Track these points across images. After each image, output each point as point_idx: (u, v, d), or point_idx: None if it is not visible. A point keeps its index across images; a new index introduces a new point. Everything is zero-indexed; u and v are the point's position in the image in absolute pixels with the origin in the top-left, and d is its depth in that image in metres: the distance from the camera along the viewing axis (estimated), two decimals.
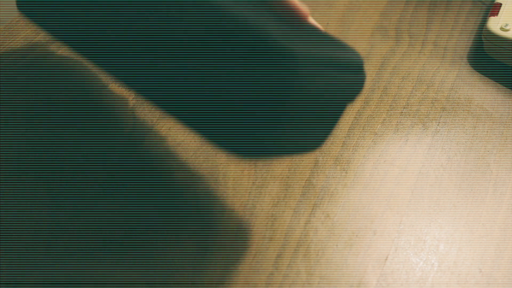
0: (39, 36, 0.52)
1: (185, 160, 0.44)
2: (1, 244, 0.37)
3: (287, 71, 0.33)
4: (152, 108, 0.47)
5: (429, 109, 0.52)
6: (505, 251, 0.43)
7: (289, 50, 0.33)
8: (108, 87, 0.48)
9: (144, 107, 0.47)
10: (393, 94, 0.52)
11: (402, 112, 0.51)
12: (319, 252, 0.41)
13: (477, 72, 0.56)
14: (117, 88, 0.48)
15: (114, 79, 0.38)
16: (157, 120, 0.47)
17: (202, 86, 0.36)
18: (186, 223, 0.40)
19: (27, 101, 0.39)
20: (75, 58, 0.50)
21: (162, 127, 0.46)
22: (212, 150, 0.45)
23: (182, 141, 0.45)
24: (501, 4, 0.58)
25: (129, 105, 0.47)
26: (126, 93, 0.48)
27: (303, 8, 0.39)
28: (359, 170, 0.46)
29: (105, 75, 0.46)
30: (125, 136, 0.45)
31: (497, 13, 0.56)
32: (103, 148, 0.37)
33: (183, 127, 0.44)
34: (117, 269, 0.37)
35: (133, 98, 0.48)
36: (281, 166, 0.45)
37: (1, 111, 0.43)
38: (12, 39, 0.52)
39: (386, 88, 0.53)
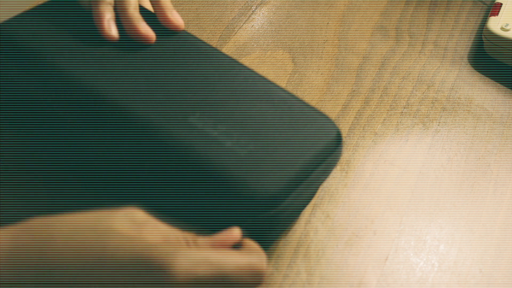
0: None
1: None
2: None
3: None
4: None
5: (430, 109, 0.52)
6: (505, 251, 0.43)
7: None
8: None
9: None
10: (393, 94, 0.52)
11: (402, 112, 0.51)
12: (319, 252, 0.40)
13: (477, 72, 0.56)
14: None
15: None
16: None
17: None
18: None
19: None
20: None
21: None
22: None
23: None
24: (501, 4, 0.58)
25: None
26: None
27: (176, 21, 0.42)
28: (359, 170, 0.46)
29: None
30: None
31: (498, 13, 0.56)
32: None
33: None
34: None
35: None
36: None
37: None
38: None
39: (386, 88, 0.52)
